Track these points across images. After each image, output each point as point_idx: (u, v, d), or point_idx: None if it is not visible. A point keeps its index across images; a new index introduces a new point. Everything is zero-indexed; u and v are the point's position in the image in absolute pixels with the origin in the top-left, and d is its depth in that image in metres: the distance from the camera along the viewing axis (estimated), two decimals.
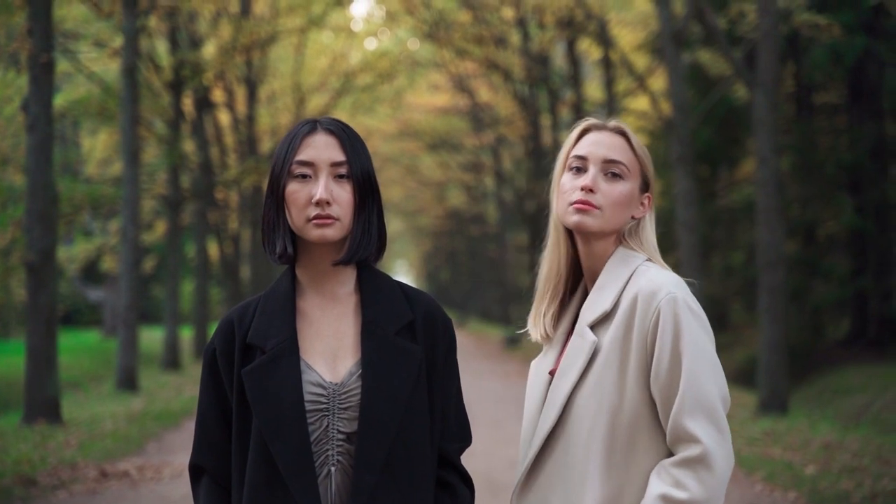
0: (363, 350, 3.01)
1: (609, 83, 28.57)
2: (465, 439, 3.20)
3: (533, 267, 3.37)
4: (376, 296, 3.10)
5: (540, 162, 37.60)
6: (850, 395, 18.98)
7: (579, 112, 31.19)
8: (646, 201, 3.26)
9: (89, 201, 24.83)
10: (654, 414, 3.04)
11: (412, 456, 3.01)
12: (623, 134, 3.25)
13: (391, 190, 52.63)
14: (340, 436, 2.98)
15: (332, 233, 2.99)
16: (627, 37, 29.63)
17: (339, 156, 3.02)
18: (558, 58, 36.78)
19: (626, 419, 3.03)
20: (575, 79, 31.60)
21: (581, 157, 3.22)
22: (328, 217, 2.98)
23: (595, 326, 3.13)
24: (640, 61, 28.05)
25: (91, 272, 45.09)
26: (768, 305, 16.56)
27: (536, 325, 3.35)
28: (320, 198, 2.97)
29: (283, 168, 3.03)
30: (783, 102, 22.57)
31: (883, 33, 22.01)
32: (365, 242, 3.06)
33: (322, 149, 3.02)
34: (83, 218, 32.32)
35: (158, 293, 49.21)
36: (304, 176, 3.01)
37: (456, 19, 31.69)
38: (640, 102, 30.29)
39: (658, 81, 27.20)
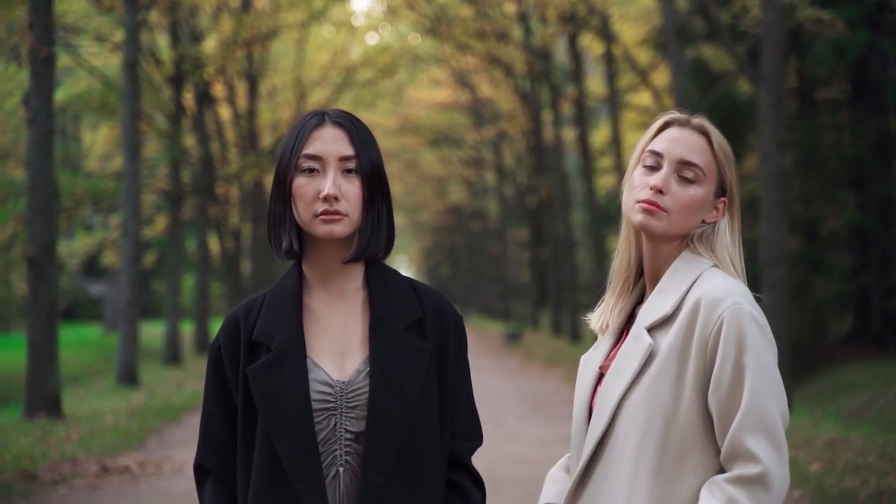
0: (371, 347, 2.94)
1: (611, 78, 28.52)
2: (475, 439, 3.12)
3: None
4: (385, 292, 3.02)
5: (541, 157, 37.59)
6: (853, 392, 18.91)
7: (581, 107, 31.18)
8: (720, 206, 3.10)
9: (90, 196, 24.79)
10: (707, 425, 2.93)
11: (422, 456, 2.94)
12: (705, 134, 3.09)
13: (392, 185, 52.42)
14: (348, 435, 2.92)
15: (340, 229, 2.92)
16: (630, 32, 29.55)
17: (348, 150, 2.95)
18: (560, 53, 36.74)
19: (679, 428, 2.92)
20: (577, 74, 31.55)
21: (656, 154, 3.07)
22: (336, 213, 2.91)
23: (653, 329, 3.02)
24: (643, 56, 27.98)
25: (92, 267, 45.09)
26: (771, 302, 16.48)
27: (602, 316, 3.24)
28: (328, 193, 2.89)
29: (289, 161, 2.96)
30: (786, 98, 22.48)
31: (887, 29, 21.90)
32: (374, 239, 2.99)
33: (330, 142, 2.95)
34: (84, 212, 32.29)
35: (159, 288, 49.17)
36: (311, 170, 2.94)
37: (457, 14, 31.69)
38: (643, 98, 30.23)
39: (661, 77, 27.14)
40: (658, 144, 3.08)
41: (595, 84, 35.66)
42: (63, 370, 18.26)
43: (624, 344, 3.07)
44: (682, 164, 3.04)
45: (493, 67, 35.42)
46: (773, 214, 16.55)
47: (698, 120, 3.12)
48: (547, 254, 39.30)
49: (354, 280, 3.04)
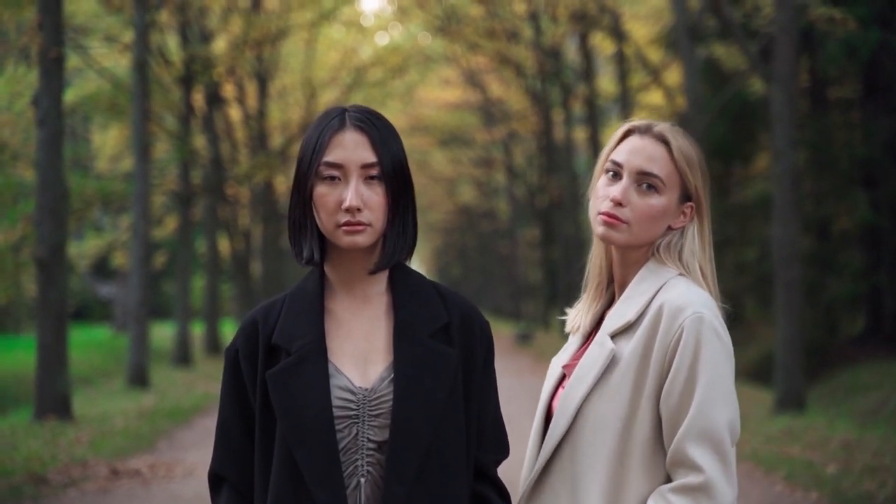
0: (396, 353, 2.84)
1: (622, 77, 28.44)
2: (502, 450, 3.03)
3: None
4: (410, 296, 2.92)
5: (552, 157, 37.52)
6: (866, 393, 18.85)
7: (592, 107, 31.12)
8: (687, 211, 3.08)
9: (100, 197, 24.78)
10: (660, 433, 2.93)
11: (446, 467, 2.84)
12: (665, 142, 3.06)
13: None
14: (371, 445, 2.81)
15: (364, 239, 2.82)
16: (641, 30, 29.49)
17: (370, 156, 2.83)
18: (571, 52, 36.66)
19: (634, 435, 2.92)
20: (587, 73, 31.47)
21: (617, 164, 3.06)
22: (359, 224, 2.80)
23: (616, 336, 3.01)
24: (654, 55, 27.91)
25: (102, 268, 45.11)
26: (784, 302, 16.41)
27: (576, 317, 3.24)
28: (350, 205, 2.79)
29: (309, 168, 2.85)
30: (797, 97, 22.43)
31: None
32: (400, 246, 2.90)
33: (351, 149, 2.83)
34: (94, 213, 32.29)
35: (169, 289, 49.19)
36: (332, 177, 2.83)
37: (467, 13, 31.65)
38: (654, 97, 30.15)
39: (672, 76, 27.06)
40: (619, 154, 3.07)
41: (606, 83, 35.55)
42: (73, 371, 18.21)
43: (588, 349, 3.07)
44: (642, 175, 3.03)
45: (504, 67, 35.35)
46: (786, 213, 16.46)
47: (660, 127, 3.09)
48: (557, 254, 39.18)
49: (378, 284, 2.95)
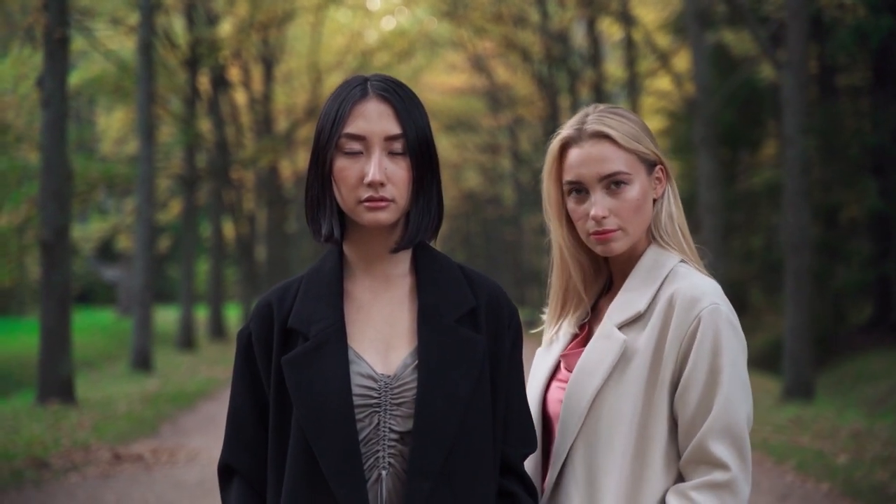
0: (420, 339, 2.67)
1: (630, 63, 28.30)
2: (529, 444, 2.83)
3: (550, 250, 3.08)
4: (435, 279, 2.76)
5: None
6: (874, 381, 18.73)
7: (599, 92, 30.96)
8: (660, 174, 2.98)
9: (104, 179, 24.70)
10: (673, 428, 2.85)
11: (472, 460, 2.66)
12: (604, 136, 2.92)
13: None
14: (393, 435, 2.64)
15: (387, 216, 2.66)
16: (650, 15, 29.33)
17: (394, 128, 2.66)
18: (578, 37, 36.48)
19: (653, 429, 2.83)
20: (595, 58, 31.32)
21: (574, 182, 2.94)
22: (382, 199, 2.64)
23: (623, 328, 2.90)
24: (663, 41, 27.74)
25: (106, 251, 45.07)
26: (794, 290, 16.29)
27: (552, 326, 3.17)
28: (373, 180, 2.62)
29: (329, 140, 2.67)
30: (806, 84, 22.27)
31: None
32: (425, 224, 2.74)
33: (374, 120, 2.66)
34: (98, 196, 32.22)
35: (173, 273, 49.17)
36: (353, 150, 2.66)
37: None
38: (662, 82, 29.99)
39: (681, 61, 26.91)
40: (571, 174, 2.96)
41: (614, 68, 35.38)
42: (77, 355, 18.15)
43: (592, 343, 2.95)
44: (605, 179, 2.92)
45: (510, 52, 35.22)
46: (796, 200, 16.35)
47: (589, 125, 2.95)
48: None
49: (401, 264, 2.79)
